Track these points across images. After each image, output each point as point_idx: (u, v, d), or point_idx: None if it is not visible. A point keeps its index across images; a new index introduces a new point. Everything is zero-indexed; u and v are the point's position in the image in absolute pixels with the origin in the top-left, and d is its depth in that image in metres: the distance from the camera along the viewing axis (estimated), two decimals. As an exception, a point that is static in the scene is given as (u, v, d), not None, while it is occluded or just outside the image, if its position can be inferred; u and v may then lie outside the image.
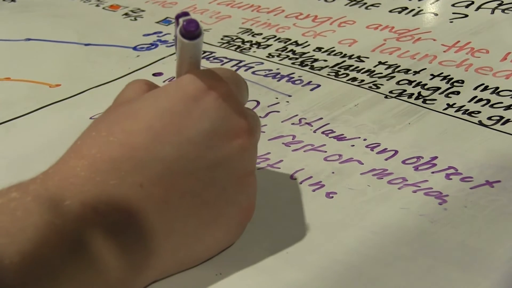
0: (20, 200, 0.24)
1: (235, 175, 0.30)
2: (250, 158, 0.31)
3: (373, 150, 0.39)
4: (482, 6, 0.59)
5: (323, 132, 0.41)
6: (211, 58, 0.55)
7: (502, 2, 0.59)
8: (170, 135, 0.28)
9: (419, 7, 0.61)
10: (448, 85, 0.46)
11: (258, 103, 0.46)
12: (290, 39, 0.57)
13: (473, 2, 0.59)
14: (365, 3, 0.63)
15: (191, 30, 0.27)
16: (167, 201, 0.27)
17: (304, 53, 0.54)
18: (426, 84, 0.46)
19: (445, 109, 0.43)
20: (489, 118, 0.41)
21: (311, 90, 0.47)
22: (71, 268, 0.24)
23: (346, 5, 0.64)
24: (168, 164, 0.27)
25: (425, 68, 0.49)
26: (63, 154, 0.28)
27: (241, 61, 0.53)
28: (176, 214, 0.28)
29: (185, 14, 0.28)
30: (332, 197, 0.35)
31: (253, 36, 0.59)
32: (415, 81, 0.47)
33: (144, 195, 0.27)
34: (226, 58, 0.54)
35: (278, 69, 0.51)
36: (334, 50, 0.54)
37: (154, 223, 0.27)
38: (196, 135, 0.28)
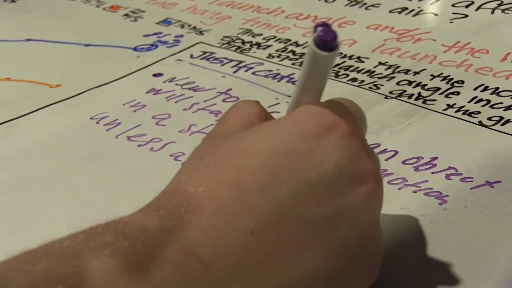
0: (115, 245, 0.21)
1: (359, 227, 0.25)
2: (376, 206, 0.26)
3: (373, 150, 0.39)
4: (482, 6, 0.58)
5: (323, 133, 0.41)
6: (211, 59, 0.55)
7: (502, 2, 0.59)
8: (288, 176, 0.24)
9: (419, 7, 0.61)
10: (448, 86, 0.46)
11: (258, 103, 0.46)
12: (290, 40, 0.57)
13: (473, 2, 0.59)
14: (365, 4, 0.63)
15: (327, 40, 0.24)
16: (279, 253, 0.23)
17: (304, 54, 0.53)
18: (426, 85, 0.46)
19: (445, 109, 0.43)
20: (489, 119, 0.41)
21: (311, 90, 0.47)
22: None
23: (346, 5, 0.64)
24: (284, 209, 0.23)
25: (425, 69, 0.49)
26: (166, 186, 0.25)
27: (241, 62, 0.53)
28: (289, 269, 0.24)
29: (326, 25, 0.25)
30: (332, 197, 0.35)
31: (253, 36, 0.59)
32: (415, 81, 0.47)
33: (255, 244, 0.23)
34: (226, 58, 0.54)
35: (278, 69, 0.51)
36: (334, 51, 0.54)
37: (262, 279, 0.23)
38: (317, 178, 0.24)
